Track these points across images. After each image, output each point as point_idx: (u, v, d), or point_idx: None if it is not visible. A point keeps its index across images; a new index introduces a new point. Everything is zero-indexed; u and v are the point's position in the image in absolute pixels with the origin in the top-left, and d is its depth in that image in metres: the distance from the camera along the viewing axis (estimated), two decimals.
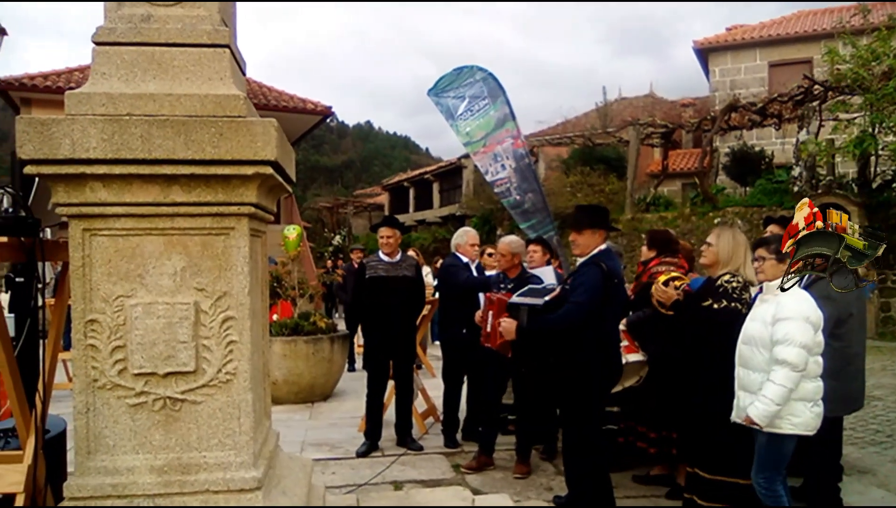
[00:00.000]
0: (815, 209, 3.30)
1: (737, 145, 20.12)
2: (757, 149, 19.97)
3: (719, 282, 4.11)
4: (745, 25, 25.51)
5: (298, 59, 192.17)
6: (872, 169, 15.07)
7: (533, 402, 5.33)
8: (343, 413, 7.49)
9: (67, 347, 6.19)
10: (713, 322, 4.02)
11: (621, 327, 4.84)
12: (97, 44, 2.68)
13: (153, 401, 2.61)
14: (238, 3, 3.12)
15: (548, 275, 5.69)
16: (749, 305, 3.91)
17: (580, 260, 4.37)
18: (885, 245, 3.24)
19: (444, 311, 6.45)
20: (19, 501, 2.88)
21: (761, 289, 3.80)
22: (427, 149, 73.41)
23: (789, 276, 3.71)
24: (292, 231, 9.25)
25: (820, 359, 3.59)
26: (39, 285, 3.24)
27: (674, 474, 4.92)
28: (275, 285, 8.57)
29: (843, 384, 4.15)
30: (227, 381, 2.65)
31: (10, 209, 3.06)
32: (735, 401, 3.76)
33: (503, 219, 20.92)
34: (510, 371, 5.42)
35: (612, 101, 28.03)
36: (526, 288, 4.79)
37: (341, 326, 8.82)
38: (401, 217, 31.72)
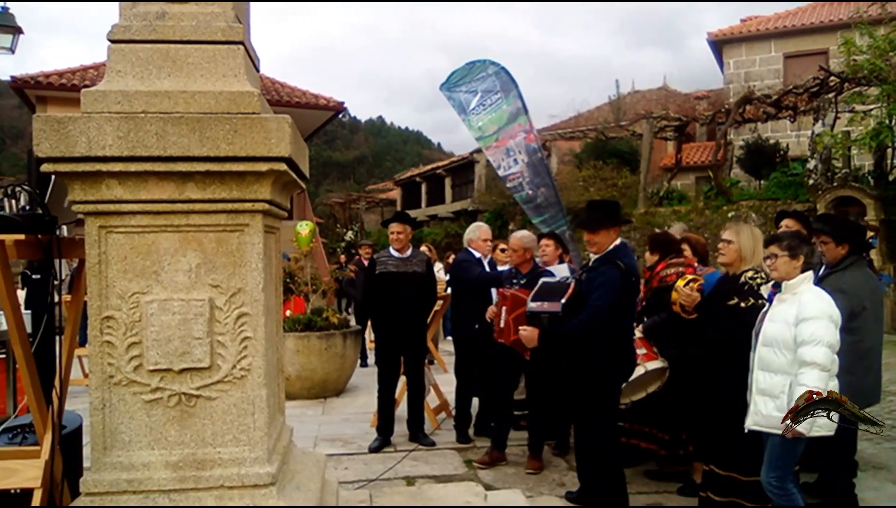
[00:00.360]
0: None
1: (751, 138, 19.95)
2: (772, 142, 19.82)
3: (743, 279, 4.05)
4: (759, 17, 25.28)
5: (311, 54, 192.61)
6: (889, 161, 14.92)
7: (545, 399, 5.32)
8: (356, 409, 7.51)
9: (83, 343, 6.25)
10: (741, 321, 3.91)
11: (638, 334, 4.82)
12: (112, 41, 2.70)
13: (168, 397, 2.63)
14: (252, 1, 3.13)
15: (562, 272, 5.67)
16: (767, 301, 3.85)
17: (595, 256, 4.33)
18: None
19: (457, 306, 6.44)
20: (36, 496, 2.91)
21: (775, 286, 3.72)
22: (439, 144, 73.38)
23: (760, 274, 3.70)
24: (304, 227, 9.29)
25: (836, 357, 3.55)
26: (56, 282, 3.27)
27: (688, 469, 4.90)
28: (288, 281, 8.61)
29: (857, 378, 4.10)
30: (242, 377, 2.66)
31: (27, 207, 3.09)
32: (752, 407, 3.64)
33: (515, 214, 20.89)
34: (522, 367, 5.42)
35: (625, 94, 27.88)
36: (540, 283, 4.74)
37: (353, 322, 8.85)
38: (413, 212, 31.74)
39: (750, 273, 4.04)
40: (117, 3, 2.74)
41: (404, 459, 5.62)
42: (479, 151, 21.97)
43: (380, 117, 79.30)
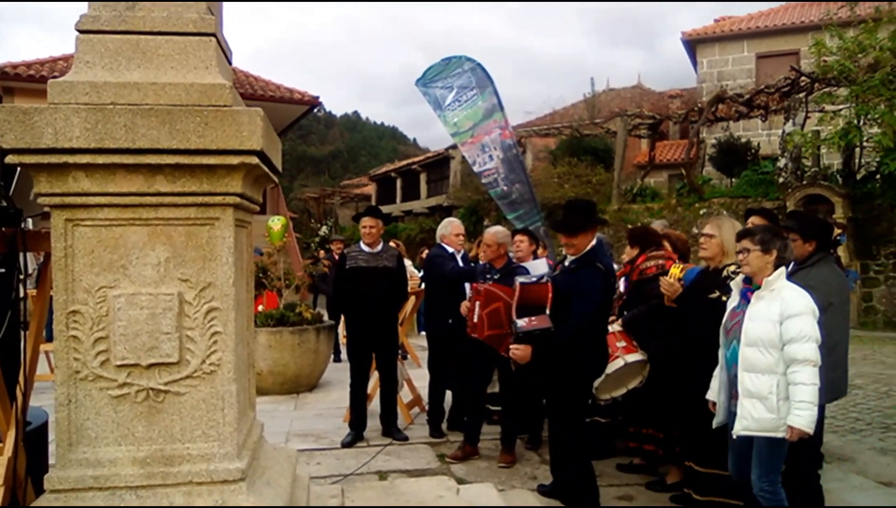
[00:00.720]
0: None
1: (723, 137, 20.23)
2: (743, 140, 20.11)
3: (725, 273, 4.05)
4: (733, 17, 25.59)
5: (286, 48, 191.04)
6: (857, 161, 15.21)
7: (518, 393, 5.35)
8: (329, 404, 7.49)
9: (50, 338, 6.16)
10: (723, 315, 3.81)
11: (619, 328, 4.84)
12: (81, 32, 2.65)
13: (136, 392, 2.60)
14: None
15: (540, 268, 5.69)
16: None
17: (572, 257, 4.31)
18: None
19: (430, 301, 6.45)
20: None
21: (746, 282, 3.65)
22: (415, 139, 73.18)
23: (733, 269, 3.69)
24: (277, 222, 9.23)
25: None
26: (21, 276, 3.21)
27: (656, 465, 4.95)
28: (260, 275, 8.54)
29: (825, 372, 4.16)
30: (211, 372, 2.64)
31: None
32: (739, 410, 3.49)
33: (490, 210, 20.94)
34: (496, 362, 5.44)
35: (600, 92, 28.08)
36: (517, 287, 4.53)
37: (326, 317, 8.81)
38: (388, 208, 31.74)
39: (732, 267, 4.01)
40: None
41: (377, 454, 5.62)
42: (454, 147, 21.97)
43: (355, 112, 79.01)
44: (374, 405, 6.35)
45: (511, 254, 5.81)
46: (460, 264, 6.24)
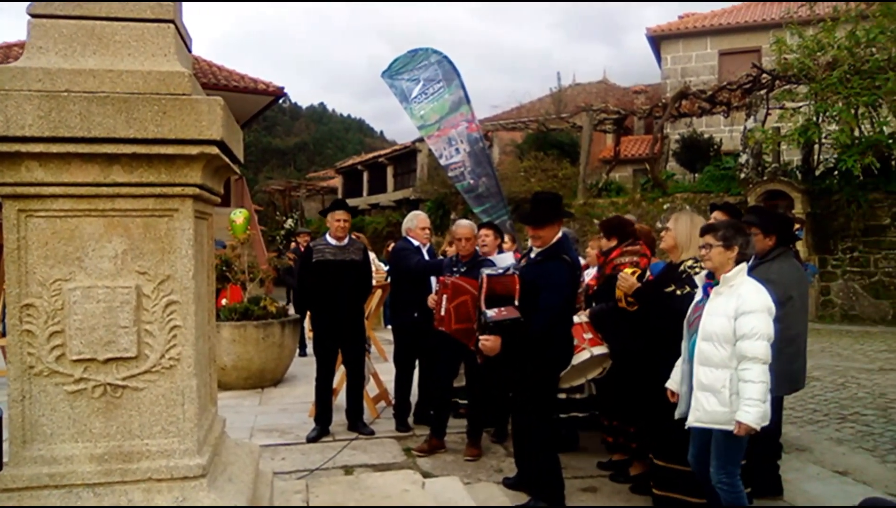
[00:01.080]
0: None
1: (687, 132, 20.48)
2: (706, 136, 20.38)
3: (682, 268, 4.08)
4: (696, 14, 25.92)
5: (250, 38, 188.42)
6: (816, 157, 15.51)
7: (484, 386, 5.35)
8: (294, 399, 7.42)
9: (3, 333, 6.00)
10: (676, 309, 3.89)
11: (585, 318, 4.85)
12: (33, 16, 2.57)
13: (93, 388, 2.54)
14: None
15: (506, 261, 5.69)
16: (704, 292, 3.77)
17: (538, 250, 4.33)
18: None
19: (396, 295, 6.41)
20: None
21: (709, 277, 3.67)
22: (382, 132, 72.82)
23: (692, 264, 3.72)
24: (239, 215, 9.11)
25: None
26: None
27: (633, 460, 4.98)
28: (224, 269, 8.42)
29: (783, 365, 4.23)
30: (171, 367, 2.59)
31: None
32: (693, 402, 3.54)
33: (457, 203, 20.93)
34: (462, 355, 5.43)
35: (566, 86, 28.27)
36: (483, 277, 4.54)
37: (292, 310, 8.72)
38: (354, 201, 31.54)
39: (689, 262, 4.04)
40: None
41: (343, 448, 5.58)
42: (421, 140, 21.90)
43: (321, 104, 78.17)
44: (340, 400, 6.30)
45: (477, 248, 5.80)
46: (426, 257, 6.22)
